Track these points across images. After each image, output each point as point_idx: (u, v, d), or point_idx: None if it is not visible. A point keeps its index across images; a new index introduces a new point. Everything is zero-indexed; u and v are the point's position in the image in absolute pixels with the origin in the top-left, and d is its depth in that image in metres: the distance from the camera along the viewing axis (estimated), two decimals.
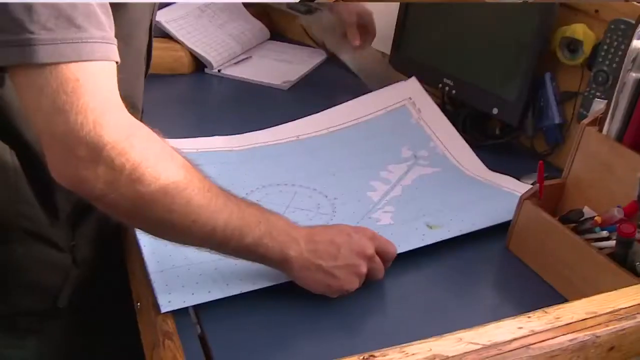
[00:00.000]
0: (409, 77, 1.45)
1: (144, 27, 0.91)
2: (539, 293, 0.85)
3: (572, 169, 0.92)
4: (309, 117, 1.24)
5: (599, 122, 0.89)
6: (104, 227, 0.88)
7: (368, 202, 1.01)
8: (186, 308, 0.75)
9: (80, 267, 0.88)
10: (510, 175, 1.11)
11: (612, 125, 0.87)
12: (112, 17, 0.66)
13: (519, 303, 0.86)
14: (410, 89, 1.29)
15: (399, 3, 1.39)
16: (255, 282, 0.78)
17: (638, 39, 0.83)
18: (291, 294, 0.78)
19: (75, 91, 0.61)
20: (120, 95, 0.66)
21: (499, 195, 1.03)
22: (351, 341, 0.76)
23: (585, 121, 0.90)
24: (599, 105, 0.93)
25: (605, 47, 1.09)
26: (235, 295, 0.77)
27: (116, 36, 0.67)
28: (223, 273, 0.79)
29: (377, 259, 0.80)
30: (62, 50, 0.61)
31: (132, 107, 0.84)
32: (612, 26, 1.08)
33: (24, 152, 0.77)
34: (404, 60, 1.42)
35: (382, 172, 1.10)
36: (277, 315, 0.77)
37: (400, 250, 0.84)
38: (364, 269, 0.78)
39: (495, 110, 1.22)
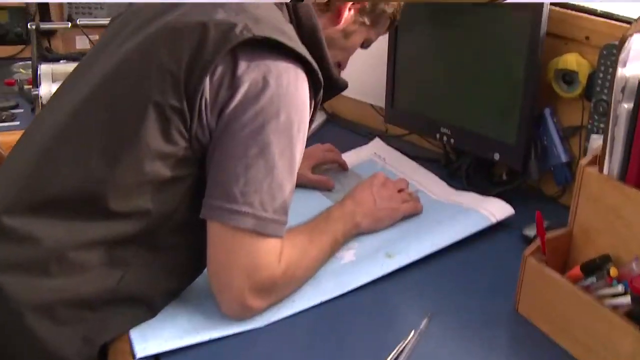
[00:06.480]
0: (407, 130, 1.42)
1: None
2: None
3: (577, 215, 0.83)
4: None
5: (598, 160, 0.81)
6: None
7: None
8: None
9: None
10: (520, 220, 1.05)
11: (612, 164, 0.78)
12: None
13: None
14: (374, 146, 1.43)
15: (386, 57, 1.35)
16: (223, 330, 0.82)
17: (623, 66, 0.75)
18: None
19: (257, 257, 0.80)
20: None
21: (460, 214, 1.07)
22: None
23: (584, 162, 0.82)
24: (596, 141, 0.84)
25: (601, 74, 1.01)
26: None
27: None
28: (194, 323, 0.83)
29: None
30: (267, 227, 0.79)
31: None
32: (605, 52, 1.01)
33: None
34: (399, 114, 1.36)
35: None
36: None
37: (360, 282, 0.92)
38: (394, 190, 1.08)
39: (496, 156, 1.14)
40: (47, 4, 1.98)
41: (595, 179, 0.80)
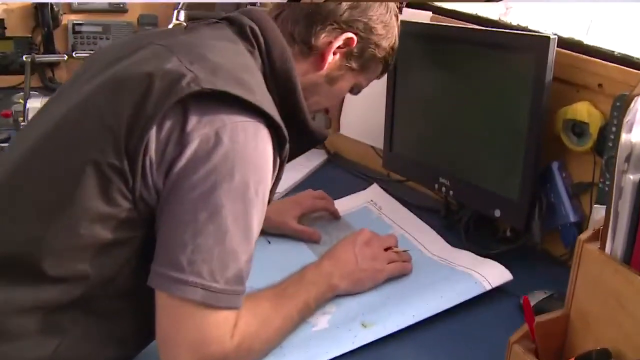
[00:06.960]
0: (405, 177, 1.33)
1: None
2: None
3: (575, 296, 0.72)
4: None
5: (600, 236, 0.70)
6: None
7: None
8: None
9: None
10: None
11: (615, 242, 0.67)
12: None
13: None
14: (371, 193, 1.32)
15: (385, 100, 1.25)
16: None
17: (628, 131, 0.65)
18: None
19: (205, 330, 0.72)
20: None
21: (451, 278, 0.97)
22: None
23: (584, 236, 0.71)
24: (599, 213, 0.73)
25: (614, 128, 0.90)
26: None
27: None
28: None
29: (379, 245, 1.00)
30: (217, 298, 0.72)
31: None
32: (618, 103, 0.90)
33: None
34: (398, 160, 1.27)
35: None
36: None
37: (328, 357, 0.83)
38: (380, 249, 0.99)
39: (497, 212, 1.03)
40: (51, 35, 1.94)
41: (596, 257, 0.69)
